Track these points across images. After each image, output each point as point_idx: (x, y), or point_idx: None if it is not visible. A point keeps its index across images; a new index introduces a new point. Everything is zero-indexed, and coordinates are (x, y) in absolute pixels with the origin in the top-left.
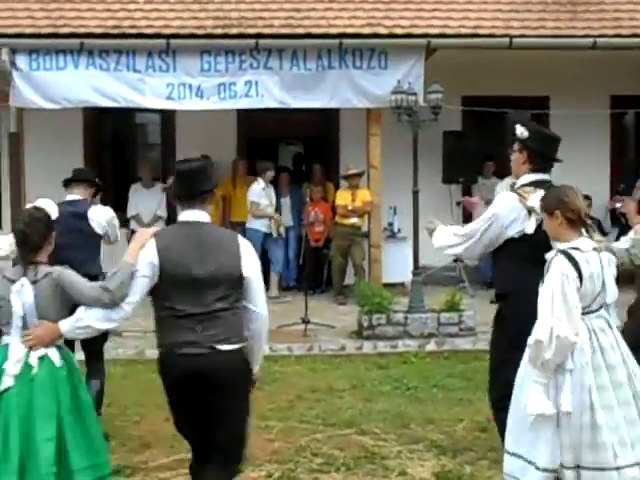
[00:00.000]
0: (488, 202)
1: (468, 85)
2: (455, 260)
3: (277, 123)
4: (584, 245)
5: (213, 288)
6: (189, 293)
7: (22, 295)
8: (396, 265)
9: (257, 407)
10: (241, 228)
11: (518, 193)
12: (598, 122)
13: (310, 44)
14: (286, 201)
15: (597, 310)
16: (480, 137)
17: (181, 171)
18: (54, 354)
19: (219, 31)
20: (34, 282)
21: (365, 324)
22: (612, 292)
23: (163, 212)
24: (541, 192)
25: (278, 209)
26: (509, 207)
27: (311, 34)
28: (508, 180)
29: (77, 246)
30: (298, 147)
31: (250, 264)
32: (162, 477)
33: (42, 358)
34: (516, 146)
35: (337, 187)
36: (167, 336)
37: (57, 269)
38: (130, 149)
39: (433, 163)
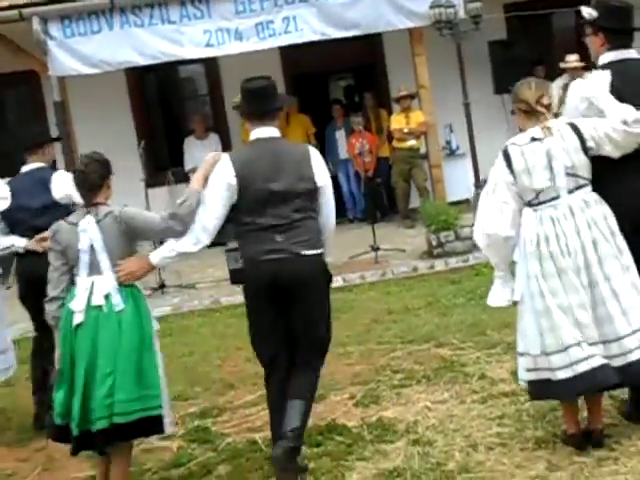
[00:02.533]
0: None
1: None
2: None
3: (321, 57)
4: (523, 137)
5: (292, 200)
6: (269, 206)
7: (88, 232)
8: (459, 182)
9: (334, 335)
10: None
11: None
12: None
13: None
14: (341, 133)
15: (550, 200)
16: (526, 43)
17: (251, 89)
18: (116, 294)
19: None
20: (98, 222)
21: (434, 243)
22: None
23: None
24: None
25: (333, 142)
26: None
27: None
28: (559, 81)
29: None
30: (348, 80)
31: (322, 174)
32: (248, 413)
33: (107, 296)
34: (588, 30)
35: (390, 113)
36: (250, 247)
37: (117, 207)
38: (178, 104)
39: (482, 75)
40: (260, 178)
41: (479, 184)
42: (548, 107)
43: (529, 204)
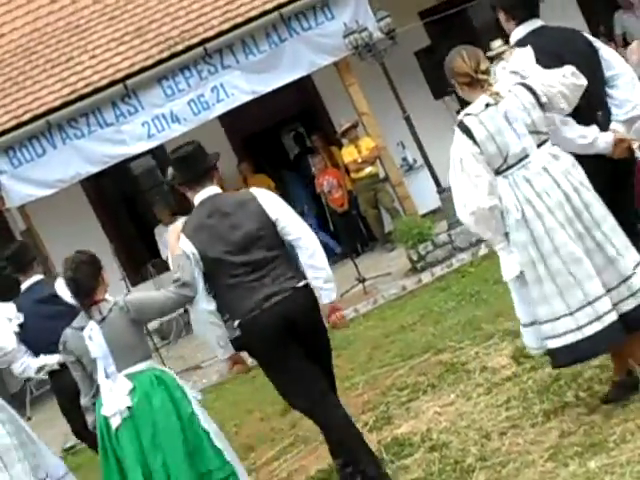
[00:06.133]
0: None
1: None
2: None
3: (263, 112)
4: (477, 106)
5: (257, 243)
6: (240, 258)
7: (94, 339)
8: (425, 194)
9: (339, 371)
10: None
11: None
12: None
13: (254, 28)
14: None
15: (518, 162)
16: (450, 43)
17: (181, 157)
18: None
19: (166, 54)
20: (102, 320)
21: (415, 258)
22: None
23: None
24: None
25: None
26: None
27: (250, 18)
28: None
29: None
30: (298, 128)
31: (272, 205)
32: (271, 469)
33: (130, 394)
34: (496, 10)
35: (341, 149)
36: (244, 303)
37: (120, 297)
38: (140, 197)
39: (419, 85)
40: (217, 239)
41: (441, 189)
42: (487, 72)
43: (498, 172)
